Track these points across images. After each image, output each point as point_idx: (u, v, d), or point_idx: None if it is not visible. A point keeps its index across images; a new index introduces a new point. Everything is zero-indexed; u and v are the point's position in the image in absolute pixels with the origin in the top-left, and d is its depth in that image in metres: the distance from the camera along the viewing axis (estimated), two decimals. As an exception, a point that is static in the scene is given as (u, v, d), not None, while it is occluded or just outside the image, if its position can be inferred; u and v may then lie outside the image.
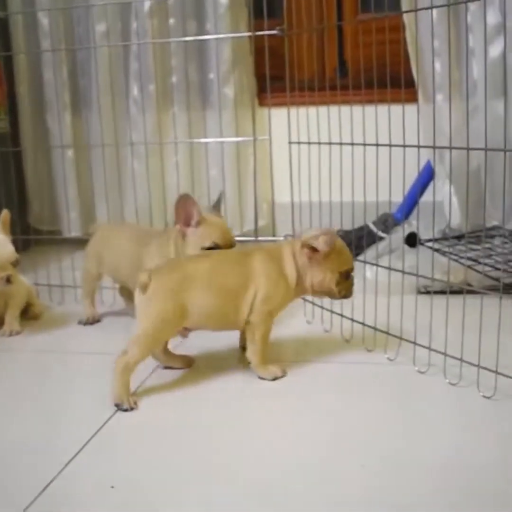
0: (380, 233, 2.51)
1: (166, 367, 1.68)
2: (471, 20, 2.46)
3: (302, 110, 1.97)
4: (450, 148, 1.67)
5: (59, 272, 2.27)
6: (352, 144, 1.83)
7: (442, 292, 1.63)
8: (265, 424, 1.41)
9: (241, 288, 1.58)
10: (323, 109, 1.92)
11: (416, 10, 1.80)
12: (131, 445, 1.34)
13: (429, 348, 1.60)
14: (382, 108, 1.78)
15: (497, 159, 2.26)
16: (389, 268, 1.80)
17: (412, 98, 1.94)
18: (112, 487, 1.18)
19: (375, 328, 1.77)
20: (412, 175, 2.20)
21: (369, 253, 2.22)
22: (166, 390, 1.58)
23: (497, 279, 1.98)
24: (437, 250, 2.02)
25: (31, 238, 2.51)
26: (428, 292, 1.96)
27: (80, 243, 2.52)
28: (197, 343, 1.77)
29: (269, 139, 2.17)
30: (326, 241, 1.59)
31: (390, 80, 1.77)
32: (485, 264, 2.04)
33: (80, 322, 2.04)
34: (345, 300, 1.72)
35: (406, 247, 2.13)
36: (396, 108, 1.74)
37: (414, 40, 2.40)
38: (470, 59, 2.42)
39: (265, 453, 1.28)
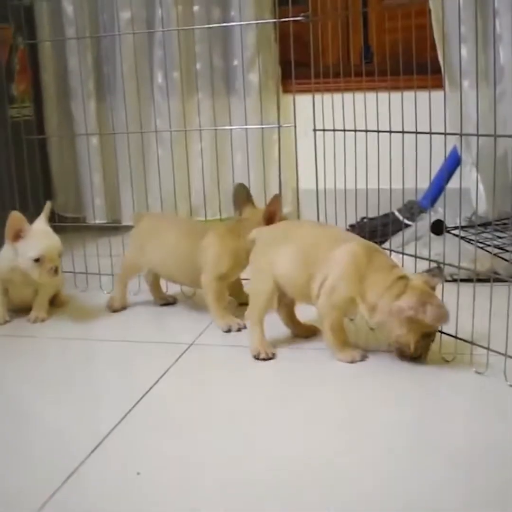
0: (406, 221, 2.49)
1: (296, 335, 1.78)
2: (498, 4, 2.42)
3: (327, 96, 1.96)
4: (478, 135, 1.65)
5: (83, 259, 2.28)
6: (378, 131, 1.82)
7: (469, 280, 1.62)
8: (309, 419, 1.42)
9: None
10: (348, 96, 1.91)
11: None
12: (157, 431, 1.34)
13: (455, 337, 1.59)
14: (408, 95, 1.76)
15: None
16: (415, 256, 1.79)
17: (438, 84, 1.93)
18: (138, 473, 1.19)
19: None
20: (438, 162, 2.18)
21: (395, 241, 2.20)
22: (195, 374, 1.59)
23: (524, 267, 1.97)
24: (463, 238, 2.00)
25: (56, 225, 2.51)
26: (454, 280, 1.95)
27: (105, 230, 2.54)
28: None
29: (294, 126, 2.16)
30: (437, 316, 1.48)
31: (416, 66, 1.75)
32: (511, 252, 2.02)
33: (108, 308, 2.05)
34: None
35: (432, 234, 2.12)
36: (423, 95, 1.73)
37: (440, 25, 2.38)
38: (497, 45, 2.39)
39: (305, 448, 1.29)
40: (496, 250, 2.01)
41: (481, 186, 2.42)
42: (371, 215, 2.26)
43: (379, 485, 1.13)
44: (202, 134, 2.48)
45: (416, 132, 1.69)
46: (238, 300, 2.01)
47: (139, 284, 2.14)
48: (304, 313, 1.77)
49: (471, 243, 1.96)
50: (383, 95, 1.84)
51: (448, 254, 1.81)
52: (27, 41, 2.74)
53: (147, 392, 1.49)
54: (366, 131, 1.86)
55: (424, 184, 2.19)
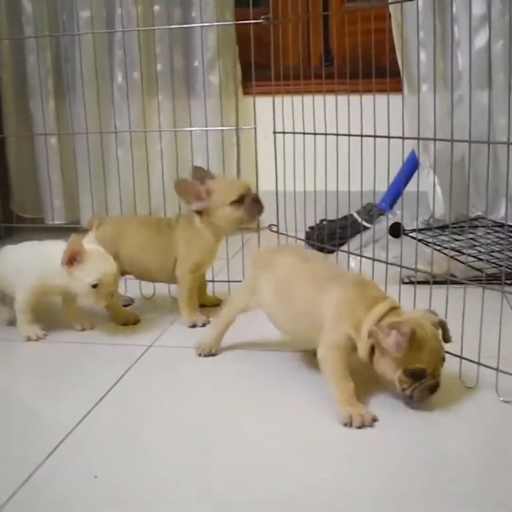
0: (365, 223, 2.51)
1: None
2: (456, 11, 2.45)
3: (288, 99, 1.96)
4: (434, 139, 1.67)
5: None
6: (337, 134, 1.83)
7: (426, 282, 1.63)
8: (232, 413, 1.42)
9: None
10: (309, 98, 1.92)
11: (402, 1, 1.80)
12: (114, 434, 1.33)
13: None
14: (368, 98, 1.78)
15: (482, 150, 2.26)
16: (373, 259, 1.80)
17: (397, 88, 1.94)
18: (96, 476, 1.18)
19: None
20: (397, 165, 2.20)
21: (354, 243, 2.22)
22: (153, 377, 1.59)
23: (480, 270, 2.00)
24: (420, 241, 2.02)
25: (14, 226, 2.49)
26: (412, 282, 1.97)
27: (64, 231, 2.51)
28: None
29: (254, 128, 2.16)
30: (397, 345, 1.31)
31: (376, 70, 1.77)
32: (469, 255, 2.05)
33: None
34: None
35: (390, 237, 2.14)
36: (382, 98, 1.74)
37: (399, 30, 2.40)
38: (455, 50, 2.42)
39: (244, 446, 1.29)
40: (453, 253, 2.03)
41: (438, 190, 2.45)
42: (331, 217, 2.27)
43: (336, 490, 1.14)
44: (162, 135, 2.47)
45: (375, 136, 1.70)
46: (200, 301, 2.01)
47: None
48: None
49: (428, 246, 1.98)
50: (343, 98, 1.85)
51: (406, 257, 1.82)
52: (-15, 40, 2.71)
53: (105, 395, 1.49)
54: (326, 134, 1.87)
55: (382, 187, 2.20)
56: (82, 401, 1.45)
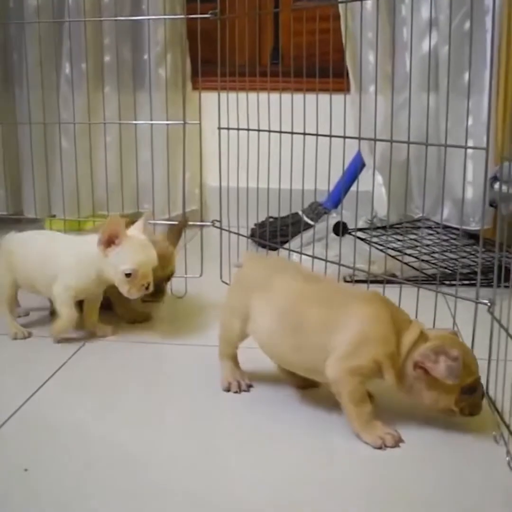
0: (310, 221, 2.52)
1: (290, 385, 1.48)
2: (405, 13, 2.47)
3: (235, 95, 1.96)
4: (375, 140, 1.69)
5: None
6: (280, 132, 1.83)
7: (365, 281, 1.65)
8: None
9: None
10: (255, 96, 1.92)
11: (350, 1, 1.81)
12: (48, 428, 1.32)
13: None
14: (313, 97, 1.79)
15: (425, 152, 2.29)
16: (313, 257, 1.81)
17: (341, 88, 1.95)
18: (26, 470, 1.17)
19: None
20: (341, 165, 2.21)
21: (296, 241, 2.22)
22: (89, 371, 1.57)
23: (419, 270, 2.02)
24: (362, 240, 2.04)
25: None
26: (351, 281, 1.98)
27: (6, 222, 2.48)
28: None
29: (199, 123, 2.16)
30: (452, 371, 1.21)
31: (324, 69, 1.78)
32: (409, 255, 2.07)
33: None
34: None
35: (334, 236, 2.15)
36: (327, 97, 1.75)
37: (349, 31, 2.41)
38: (402, 52, 2.44)
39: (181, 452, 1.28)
40: (394, 253, 2.05)
41: (382, 190, 2.47)
42: (276, 215, 2.28)
43: None
44: (108, 128, 2.45)
45: (317, 135, 1.71)
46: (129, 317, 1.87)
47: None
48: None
49: (369, 245, 1.99)
50: (289, 96, 1.85)
51: (348, 255, 1.84)
52: None
53: (38, 389, 1.46)
54: (269, 131, 1.87)
55: (327, 186, 2.21)
56: (14, 396, 1.43)
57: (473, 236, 2.27)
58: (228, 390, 1.45)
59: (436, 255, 2.11)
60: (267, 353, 1.40)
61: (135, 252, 1.62)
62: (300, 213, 2.54)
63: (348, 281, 1.96)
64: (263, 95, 1.90)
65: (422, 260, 2.07)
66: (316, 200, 2.36)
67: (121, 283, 1.63)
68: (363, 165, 2.51)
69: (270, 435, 1.29)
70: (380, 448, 1.23)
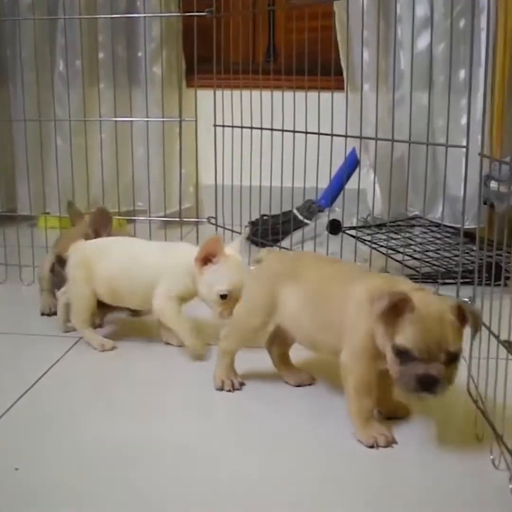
0: (304, 220, 2.52)
1: (287, 382, 1.48)
2: (400, 11, 2.48)
3: (231, 93, 1.97)
4: (376, 139, 1.69)
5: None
6: (272, 130, 1.84)
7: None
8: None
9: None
10: (251, 93, 1.92)
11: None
12: (38, 428, 1.31)
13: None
14: (311, 95, 1.79)
15: (421, 150, 2.29)
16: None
17: (336, 86, 1.95)
18: (17, 469, 1.16)
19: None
20: (339, 163, 2.21)
21: (292, 239, 2.22)
22: (83, 368, 1.58)
23: (415, 269, 2.03)
24: (358, 238, 2.04)
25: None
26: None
27: (1, 219, 2.47)
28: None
29: (195, 120, 2.16)
30: (378, 304, 1.16)
31: (321, 67, 1.78)
32: (404, 253, 2.07)
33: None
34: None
35: (329, 234, 2.15)
36: (323, 96, 1.75)
37: (343, 28, 2.41)
38: (398, 50, 2.44)
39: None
40: (389, 251, 2.05)
41: (377, 188, 2.47)
42: (271, 213, 2.28)
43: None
44: (104, 125, 2.44)
45: (306, 132, 1.72)
46: None
47: (34, 275, 2.09)
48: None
49: (365, 244, 2.00)
50: (287, 94, 1.86)
51: (344, 254, 1.84)
52: None
53: (32, 386, 1.46)
54: (261, 128, 1.88)
55: (324, 183, 2.22)
56: (7, 392, 1.42)
57: (467, 235, 2.27)
58: (221, 388, 1.44)
59: (430, 253, 2.12)
60: (297, 336, 1.39)
61: (232, 272, 1.57)
62: (295, 211, 2.54)
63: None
64: (257, 93, 1.90)
65: (415, 258, 2.07)
66: (309, 198, 2.37)
67: (214, 304, 1.58)
68: (357, 162, 2.51)
69: (265, 433, 1.29)
70: (372, 447, 1.22)
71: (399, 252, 2.06)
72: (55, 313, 1.85)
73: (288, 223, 2.30)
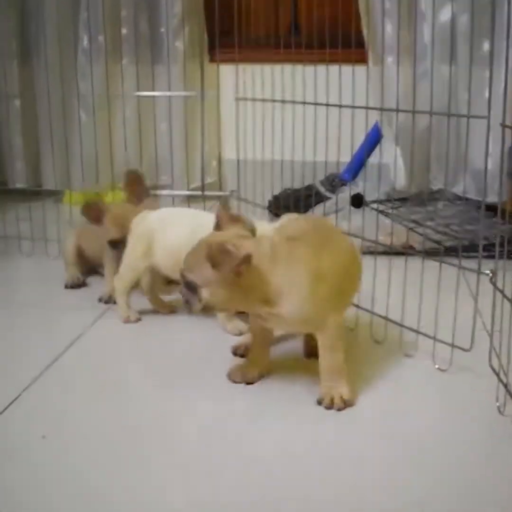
0: (327, 193, 2.52)
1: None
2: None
3: (254, 67, 1.97)
4: (397, 110, 1.68)
5: (2, 224, 2.24)
6: (294, 102, 1.84)
7: (386, 253, 1.65)
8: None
9: None
10: (275, 67, 1.92)
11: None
12: (67, 396, 1.34)
13: (370, 312, 1.62)
14: (334, 68, 1.78)
15: (444, 123, 2.28)
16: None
17: (363, 59, 1.95)
18: (44, 437, 1.18)
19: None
20: (361, 136, 2.21)
21: (316, 212, 2.23)
22: (110, 338, 1.60)
23: (438, 242, 2.02)
24: (381, 212, 2.04)
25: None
26: (372, 253, 1.98)
27: (26, 194, 2.49)
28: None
29: (217, 94, 2.16)
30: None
31: (343, 40, 1.77)
32: (427, 227, 2.07)
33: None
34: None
35: (352, 208, 2.15)
36: (347, 69, 1.74)
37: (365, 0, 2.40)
38: (420, 23, 2.42)
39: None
40: (412, 225, 2.06)
41: (400, 161, 2.46)
42: (294, 186, 2.28)
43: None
44: (127, 100, 2.45)
45: (327, 105, 1.71)
46: None
47: (59, 249, 2.11)
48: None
49: (388, 217, 2.00)
50: (309, 68, 1.85)
51: (367, 227, 1.84)
52: None
53: (59, 356, 1.49)
54: (283, 101, 1.88)
55: (347, 157, 2.21)
56: (35, 363, 1.45)
57: (490, 208, 2.26)
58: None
59: (453, 226, 2.11)
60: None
61: None
62: (317, 184, 2.54)
63: (367, 253, 1.96)
64: (279, 67, 1.90)
65: (438, 232, 2.07)
66: (332, 172, 2.37)
67: None
68: (380, 136, 2.50)
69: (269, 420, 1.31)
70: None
71: (421, 225, 2.06)
72: (78, 286, 1.93)
73: (310, 197, 2.30)
